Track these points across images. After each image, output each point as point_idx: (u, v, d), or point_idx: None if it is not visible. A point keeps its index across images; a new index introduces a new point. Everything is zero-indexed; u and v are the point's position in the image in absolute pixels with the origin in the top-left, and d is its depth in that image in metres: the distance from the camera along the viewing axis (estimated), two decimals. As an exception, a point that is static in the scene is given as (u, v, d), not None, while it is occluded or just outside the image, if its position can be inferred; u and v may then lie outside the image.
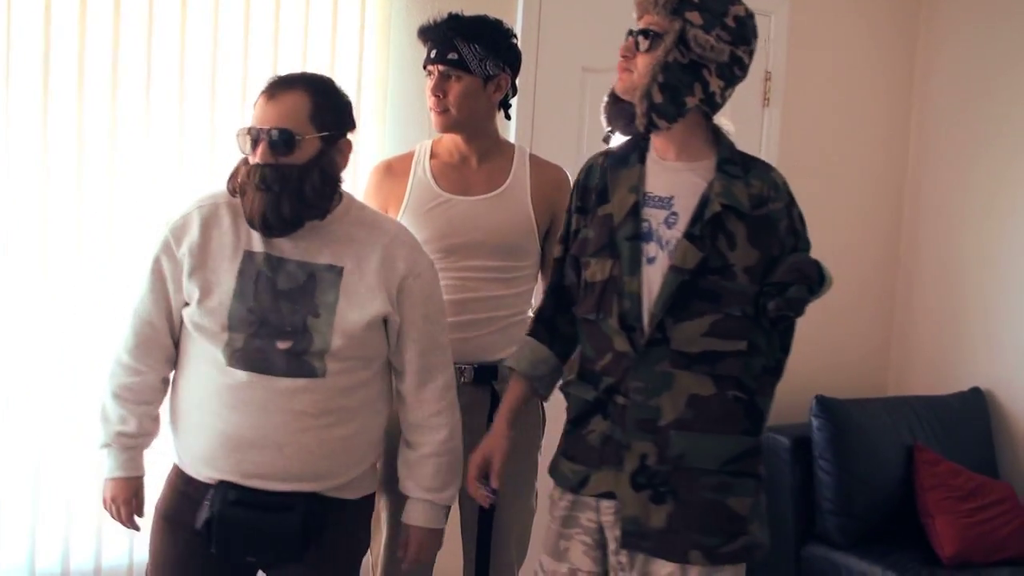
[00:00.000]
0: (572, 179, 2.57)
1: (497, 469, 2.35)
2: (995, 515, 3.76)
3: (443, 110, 2.62)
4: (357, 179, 2.95)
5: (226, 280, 2.20)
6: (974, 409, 4.23)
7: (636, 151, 2.27)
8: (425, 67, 2.64)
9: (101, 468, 2.33)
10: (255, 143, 2.15)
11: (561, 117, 3.70)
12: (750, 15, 2.17)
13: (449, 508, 2.44)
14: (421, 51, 2.66)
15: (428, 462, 2.36)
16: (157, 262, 2.24)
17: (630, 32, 2.18)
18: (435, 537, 2.43)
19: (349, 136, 2.26)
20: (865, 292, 4.55)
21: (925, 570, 3.60)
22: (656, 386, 2.14)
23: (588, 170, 2.34)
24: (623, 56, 2.17)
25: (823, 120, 4.38)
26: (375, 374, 2.31)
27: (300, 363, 2.19)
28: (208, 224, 2.23)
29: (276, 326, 2.18)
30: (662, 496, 2.14)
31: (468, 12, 2.69)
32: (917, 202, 4.60)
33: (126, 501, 2.32)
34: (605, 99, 2.31)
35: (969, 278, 4.37)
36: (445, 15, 2.63)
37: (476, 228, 2.65)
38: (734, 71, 2.15)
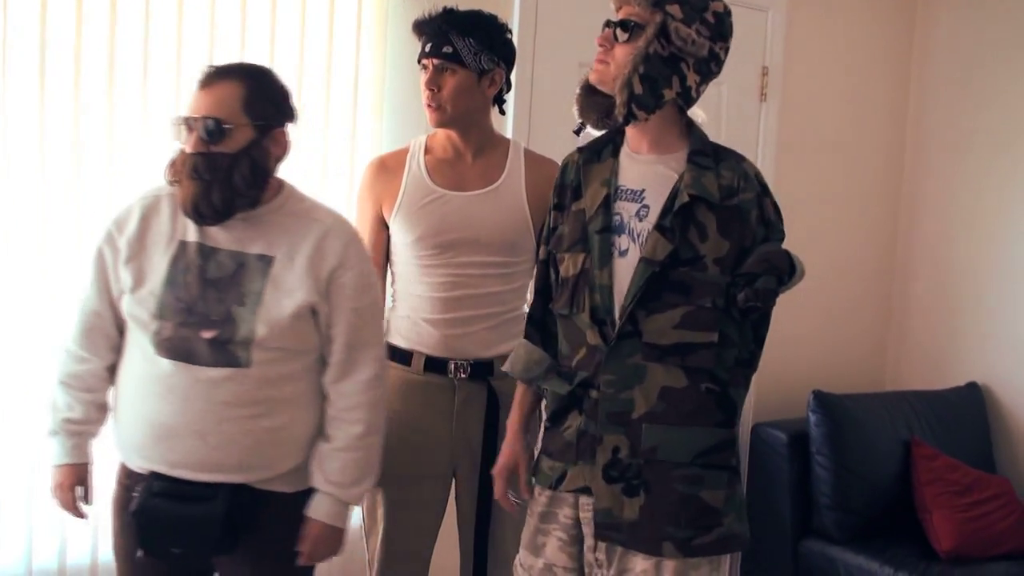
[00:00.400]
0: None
1: (524, 479, 2.37)
2: (992, 509, 3.77)
3: (437, 105, 2.61)
4: (355, 176, 2.94)
5: (158, 269, 2.23)
6: (971, 404, 4.24)
7: (610, 145, 2.29)
8: (419, 61, 2.63)
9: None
10: (188, 132, 2.18)
11: (557, 112, 3.67)
12: (728, 12, 2.18)
13: (353, 507, 2.38)
14: (417, 47, 2.65)
15: (338, 456, 2.31)
16: (100, 253, 2.28)
17: (608, 23, 2.18)
18: (335, 535, 2.35)
19: (288, 127, 2.28)
20: (862, 287, 4.55)
21: (922, 565, 3.60)
22: (628, 379, 2.15)
23: (564, 168, 2.36)
24: (600, 46, 2.17)
25: (820, 115, 4.38)
26: (307, 368, 2.30)
27: (225, 352, 2.19)
28: (147, 216, 2.27)
29: (202, 315, 2.20)
30: (635, 489, 2.15)
31: (464, 7, 2.70)
32: (914, 197, 4.60)
33: (70, 488, 2.34)
34: (577, 91, 2.31)
35: (966, 273, 4.38)
36: (440, 9, 2.63)
37: (471, 224, 2.64)
38: (711, 67, 2.17)
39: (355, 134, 3.29)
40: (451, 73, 2.60)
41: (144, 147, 2.96)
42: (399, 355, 2.70)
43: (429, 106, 2.63)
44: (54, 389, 2.33)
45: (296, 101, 3.08)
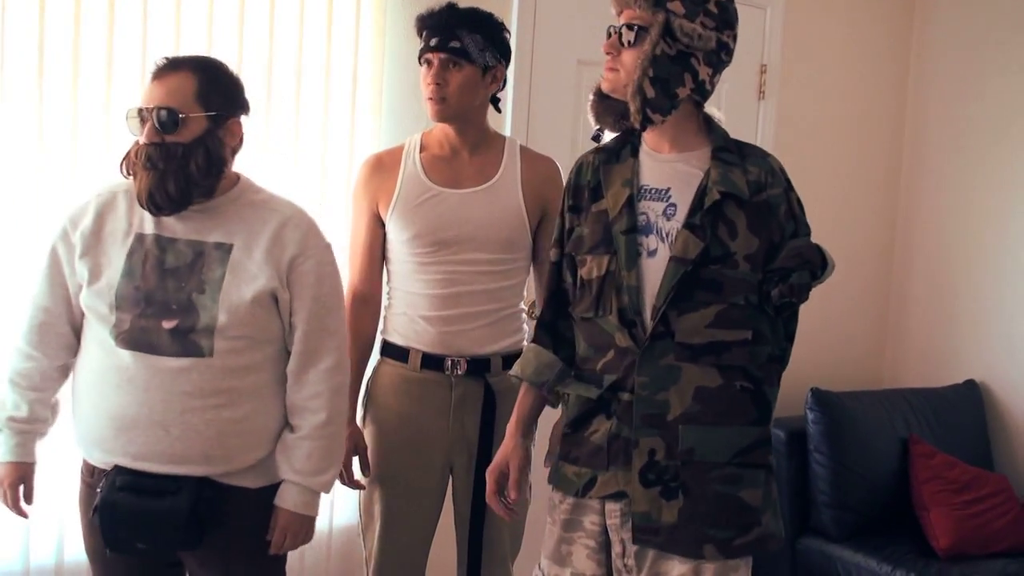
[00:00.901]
0: (564, 172, 2.58)
1: (514, 480, 2.33)
2: (990, 507, 3.77)
3: (441, 98, 2.60)
4: (354, 174, 2.94)
5: (115, 261, 2.23)
6: (969, 401, 4.24)
7: (628, 145, 2.26)
8: (423, 56, 2.62)
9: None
10: (142, 123, 2.19)
11: (557, 110, 3.70)
12: (730, 0, 2.16)
13: (320, 495, 2.37)
14: (416, 44, 2.64)
15: (303, 444, 2.30)
16: (54, 250, 2.29)
17: (611, 29, 2.16)
18: (305, 524, 2.35)
19: (242, 119, 2.30)
20: (860, 285, 4.55)
21: (920, 562, 3.61)
22: (662, 380, 2.11)
23: (579, 168, 2.32)
24: (607, 54, 2.15)
25: (819, 113, 4.38)
26: (269, 358, 2.30)
27: (186, 342, 2.19)
28: (103, 211, 2.27)
29: (162, 303, 2.20)
30: (673, 491, 2.11)
31: (463, 4, 2.69)
32: (912, 194, 4.60)
33: (12, 486, 2.31)
34: (591, 97, 2.29)
35: (963, 270, 4.38)
36: (445, 5, 2.63)
37: (467, 221, 2.64)
38: (721, 57, 2.14)
39: (354, 132, 3.28)
40: (457, 68, 2.59)
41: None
42: (396, 352, 2.71)
43: (431, 99, 2.62)
44: (3, 386, 2.32)
45: (295, 100, 3.10)
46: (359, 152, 3.21)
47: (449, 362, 2.66)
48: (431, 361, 2.67)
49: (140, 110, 2.20)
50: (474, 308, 2.66)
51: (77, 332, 2.31)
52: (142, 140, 2.19)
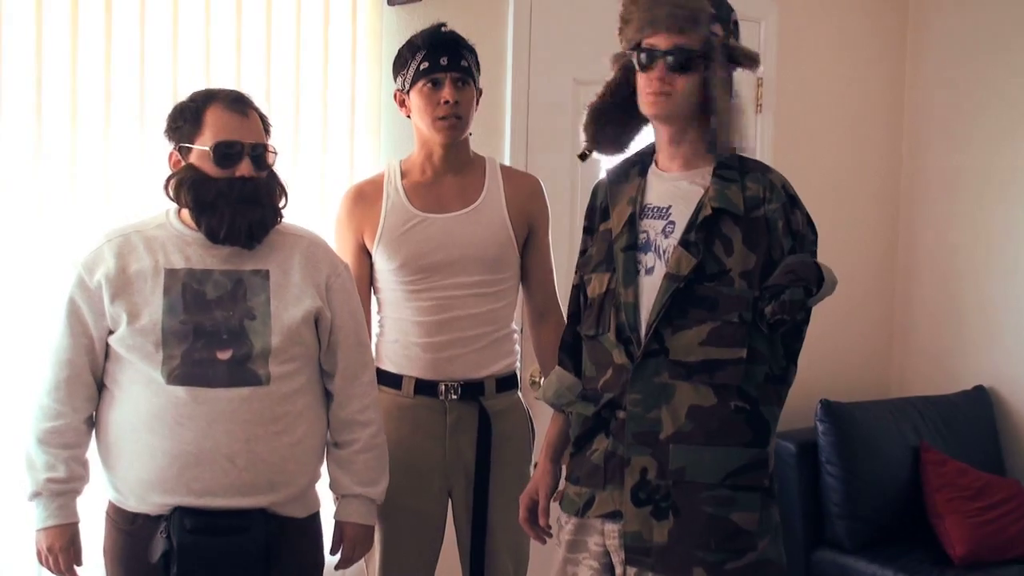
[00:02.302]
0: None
1: (543, 506, 2.36)
2: (1004, 513, 3.75)
3: (457, 117, 2.62)
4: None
5: (153, 300, 2.22)
6: (979, 407, 4.22)
7: (637, 165, 2.26)
8: (432, 75, 2.60)
9: (31, 520, 2.27)
10: (237, 157, 2.21)
11: (554, 129, 3.70)
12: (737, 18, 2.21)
13: (378, 504, 2.46)
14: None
15: (359, 457, 2.39)
16: (72, 300, 2.25)
17: (654, 53, 2.10)
18: (369, 534, 2.46)
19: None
20: (864, 294, 4.54)
21: (936, 571, 3.59)
22: (655, 398, 2.10)
23: (594, 191, 2.35)
24: (659, 80, 2.10)
25: (816, 125, 4.38)
26: (311, 380, 2.34)
27: (243, 372, 2.20)
28: (122, 253, 2.26)
29: (212, 333, 2.20)
30: (664, 512, 2.10)
31: (458, 25, 2.71)
32: (913, 200, 4.59)
33: (63, 549, 2.26)
34: (586, 117, 2.29)
35: (968, 276, 4.36)
36: (438, 25, 2.63)
37: (454, 244, 2.64)
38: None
39: (353, 155, 3.28)
40: (466, 87, 2.62)
41: (141, 169, 2.93)
42: (389, 379, 2.70)
43: (445, 119, 2.61)
44: (30, 448, 2.25)
45: (294, 123, 3.12)
46: (359, 175, 3.20)
47: (443, 387, 2.65)
48: (425, 387, 2.67)
49: (235, 143, 2.21)
50: (466, 332, 2.66)
51: (98, 381, 2.28)
52: (239, 173, 2.20)
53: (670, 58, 2.09)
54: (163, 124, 2.33)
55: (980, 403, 4.23)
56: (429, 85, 2.61)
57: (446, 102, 2.59)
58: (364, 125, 3.31)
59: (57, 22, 2.80)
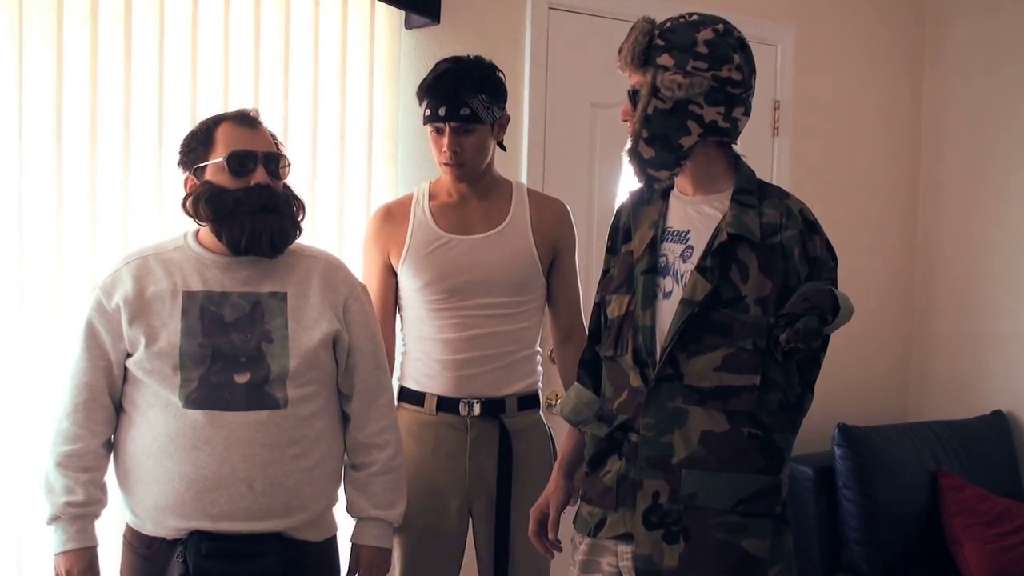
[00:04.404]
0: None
1: (553, 520, 2.36)
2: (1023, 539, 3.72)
3: (460, 164, 2.65)
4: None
5: (171, 322, 2.22)
6: (997, 432, 4.19)
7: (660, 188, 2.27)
8: (433, 123, 2.64)
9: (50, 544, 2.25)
10: (252, 166, 2.22)
11: (571, 152, 3.71)
12: (723, 31, 2.12)
13: (395, 527, 2.46)
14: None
15: (377, 480, 2.39)
16: (90, 323, 2.25)
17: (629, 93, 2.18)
18: (386, 557, 2.44)
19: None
20: (882, 318, 4.53)
21: (955, 598, 3.56)
22: (668, 422, 2.10)
23: (618, 213, 2.35)
24: (625, 120, 2.17)
25: (833, 147, 4.38)
26: (328, 402, 2.34)
27: (261, 395, 2.20)
28: (140, 276, 2.26)
29: (230, 357, 2.20)
30: (675, 536, 2.09)
31: (475, 49, 2.72)
32: (930, 225, 4.58)
33: (82, 573, 2.25)
34: (626, 156, 2.30)
35: (986, 301, 4.35)
36: (446, 70, 2.64)
37: (479, 266, 2.67)
38: (727, 91, 2.10)
39: (370, 182, 3.29)
40: (468, 133, 2.62)
41: (159, 197, 2.94)
42: (412, 397, 2.73)
43: (448, 165, 2.65)
44: (48, 472, 2.24)
45: (311, 150, 3.13)
46: (376, 201, 3.22)
47: (463, 404, 2.66)
48: (446, 404, 2.69)
49: (247, 153, 2.22)
50: (488, 351, 2.68)
51: (116, 404, 2.28)
52: (254, 181, 2.21)
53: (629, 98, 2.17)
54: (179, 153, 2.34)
55: (999, 428, 4.21)
56: (434, 132, 2.66)
57: (444, 151, 2.64)
58: (381, 149, 3.32)
59: (77, 51, 2.82)
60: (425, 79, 2.68)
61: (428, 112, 2.65)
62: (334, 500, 2.39)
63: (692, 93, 2.08)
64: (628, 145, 2.15)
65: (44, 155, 2.79)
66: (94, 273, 2.80)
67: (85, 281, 2.80)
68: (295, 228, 2.28)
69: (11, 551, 2.80)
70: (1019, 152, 4.24)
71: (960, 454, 4.00)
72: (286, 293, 2.28)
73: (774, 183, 4.05)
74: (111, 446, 2.30)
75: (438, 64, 2.69)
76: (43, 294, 2.81)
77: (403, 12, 3.33)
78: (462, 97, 2.61)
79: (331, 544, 2.39)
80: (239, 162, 2.22)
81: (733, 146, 2.22)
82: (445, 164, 2.66)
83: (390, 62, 3.33)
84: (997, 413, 4.25)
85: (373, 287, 2.73)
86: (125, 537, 2.32)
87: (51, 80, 2.78)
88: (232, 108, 2.87)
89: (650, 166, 2.13)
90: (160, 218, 2.93)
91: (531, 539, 2.40)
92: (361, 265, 2.82)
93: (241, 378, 2.20)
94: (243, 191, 2.21)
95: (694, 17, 2.14)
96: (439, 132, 2.65)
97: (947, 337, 4.50)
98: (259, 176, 2.22)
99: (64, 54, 2.80)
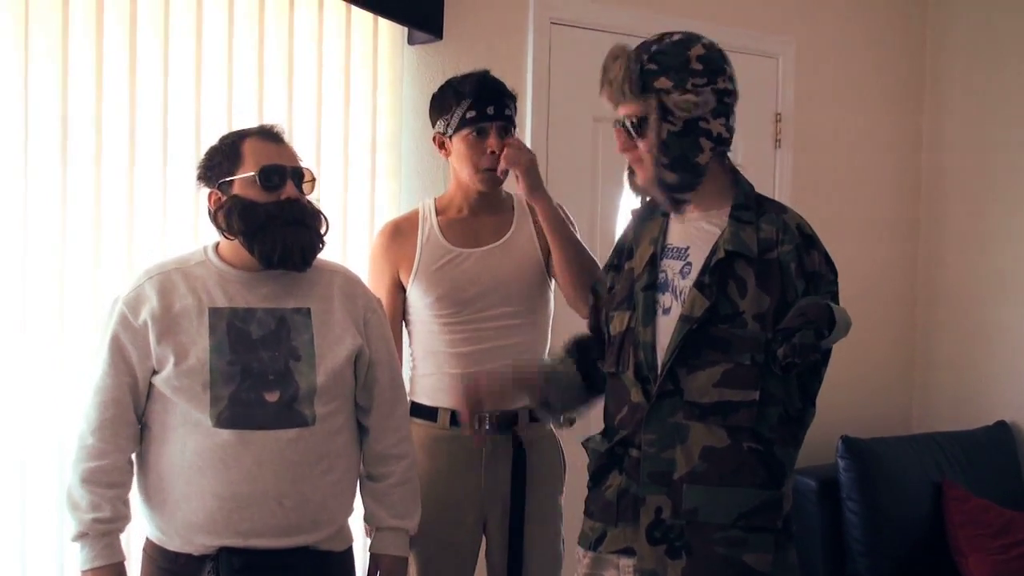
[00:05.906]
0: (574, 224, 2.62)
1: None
2: (1028, 551, 3.72)
3: (503, 168, 2.66)
4: (373, 237, 2.95)
5: (199, 339, 2.21)
6: (1001, 443, 4.20)
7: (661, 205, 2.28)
8: (478, 124, 2.63)
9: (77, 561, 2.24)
10: (282, 180, 2.23)
11: (574, 167, 3.72)
12: (710, 45, 2.15)
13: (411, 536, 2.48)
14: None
15: (395, 490, 2.41)
16: (115, 338, 2.23)
17: (615, 123, 2.17)
18: (403, 566, 2.46)
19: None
20: (885, 329, 4.53)
21: (960, 609, 3.56)
22: (669, 438, 2.11)
23: (624, 232, 2.37)
24: (624, 151, 2.17)
25: (835, 159, 4.39)
26: (348, 417, 2.36)
27: (290, 413, 2.21)
28: (165, 291, 2.25)
29: (259, 374, 2.20)
30: (677, 551, 2.10)
31: (478, 63, 2.74)
32: (932, 234, 4.59)
33: None
34: (627, 179, 2.31)
35: (989, 311, 4.35)
36: (480, 73, 2.66)
37: (489, 277, 2.68)
38: (725, 102, 2.13)
39: (374, 197, 3.31)
40: (508, 135, 2.66)
41: (161, 224, 2.94)
42: (425, 412, 2.73)
43: (491, 169, 2.65)
44: (73, 488, 2.22)
45: (314, 166, 3.13)
46: (379, 216, 3.23)
47: (478, 418, 2.66)
48: (459, 419, 2.67)
49: (277, 167, 2.23)
50: (502, 363, 2.67)
51: (140, 420, 2.27)
52: (284, 195, 2.22)
53: (621, 127, 2.18)
54: (187, 165, 2.34)
55: (1002, 439, 4.21)
56: (474, 134, 2.64)
57: (492, 152, 2.63)
58: (384, 165, 3.34)
59: (82, 65, 2.83)
60: (460, 83, 2.66)
61: (472, 113, 2.62)
62: (352, 510, 2.40)
63: (704, 111, 2.10)
64: (649, 174, 2.14)
65: (49, 166, 2.79)
66: (97, 283, 2.82)
67: (88, 291, 2.82)
68: (320, 241, 2.29)
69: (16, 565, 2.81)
70: (1020, 160, 4.25)
71: (964, 465, 4.00)
72: (310, 309, 2.29)
73: (776, 195, 4.13)
74: (133, 464, 2.29)
75: (455, 77, 2.70)
76: (47, 303, 2.81)
77: (406, 28, 3.35)
78: (504, 99, 2.64)
79: (351, 553, 2.41)
80: (271, 176, 2.22)
81: (729, 157, 2.23)
82: (486, 169, 2.65)
83: (393, 78, 3.35)
84: (1001, 424, 4.26)
85: (382, 303, 2.74)
86: (146, 551, 2.31)
87: (56, 92, 2.79)
88: (236, 123, 2.93)
89: (676, 191, 2.14)
90: (164, 229, 2.93)
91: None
92: (367, 280, 2.82)
93: (271, 396, 2.20)
94: (275, 205, 2.21)
95: (676, 36, 2.14)
96: (482, 134, 2.63)
97: (950, 348, 4.51)
98: (289, 190, 2.23)
99: (69, 67, 2.80)
